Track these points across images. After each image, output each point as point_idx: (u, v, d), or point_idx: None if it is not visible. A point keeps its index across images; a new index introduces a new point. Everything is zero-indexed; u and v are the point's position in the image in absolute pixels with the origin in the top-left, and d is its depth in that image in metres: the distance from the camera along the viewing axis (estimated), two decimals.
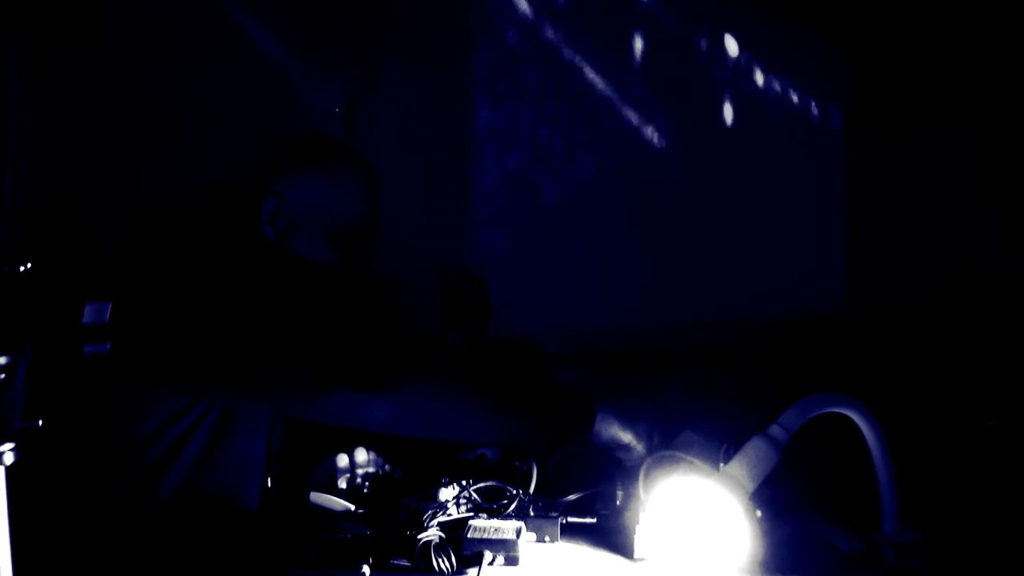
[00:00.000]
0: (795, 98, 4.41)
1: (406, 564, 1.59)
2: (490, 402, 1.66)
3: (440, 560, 1.56)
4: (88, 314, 1.21)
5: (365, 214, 1.97)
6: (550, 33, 3.97)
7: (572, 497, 1.84)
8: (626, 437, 1.74)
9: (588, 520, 1.78)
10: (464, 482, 1.79)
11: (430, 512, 1.68)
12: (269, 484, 1.86)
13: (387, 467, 2.01)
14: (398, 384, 1.60)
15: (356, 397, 1.59)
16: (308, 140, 2.01)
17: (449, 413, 1.65)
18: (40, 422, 1.09)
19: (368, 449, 2.01)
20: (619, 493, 1.82)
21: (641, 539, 1.63)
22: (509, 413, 1.68)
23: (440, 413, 1.64)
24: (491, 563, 1.58)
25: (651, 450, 1.72)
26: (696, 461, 1.65)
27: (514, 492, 1.78)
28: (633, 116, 4.15)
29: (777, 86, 4.39)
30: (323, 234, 1.91)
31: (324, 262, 1.92)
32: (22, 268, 1.04)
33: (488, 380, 1.70)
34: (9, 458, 1.06)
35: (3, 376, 1.04)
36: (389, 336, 1.66)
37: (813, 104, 4.46)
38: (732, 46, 4.28)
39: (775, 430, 1.60)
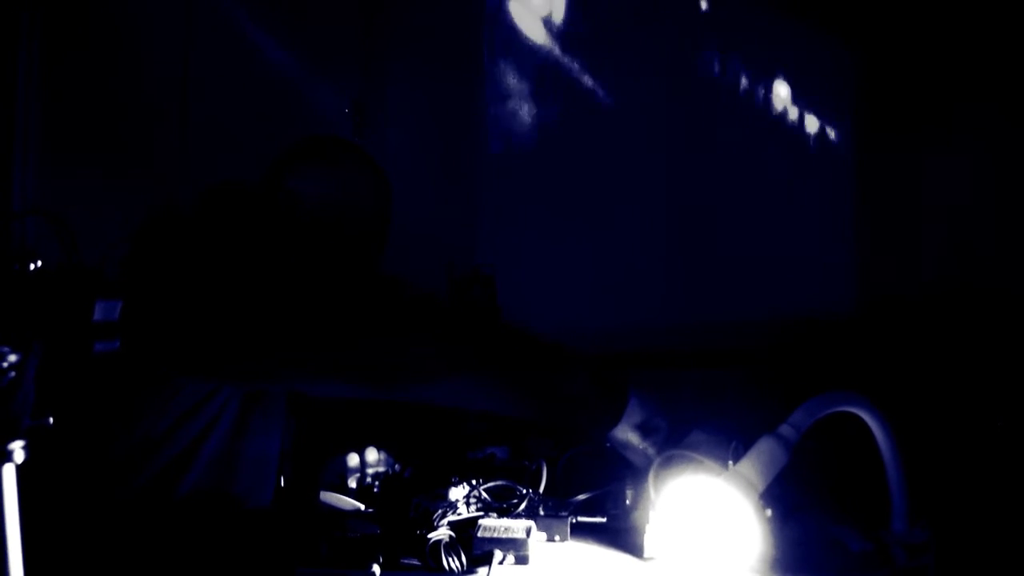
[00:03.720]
0: (804, 101, 4.41)
1: (416, 563, 1.59)
2: (489, 373, 1.61)
3: (450, 559, 1.56)
4: (98, 312, 1.21)
5: (375, 216, 2.00)
6: (561, 27, 3.96)
7: (582, 497, 1.84)
8: (640, 440, 1.69)
9: (598, 520, 1.78)
10: (474, 481, 1.79)
11: (440, 511, 1.69)
12: (282, 483, 1.86)
13: (397, 466, 2.01)
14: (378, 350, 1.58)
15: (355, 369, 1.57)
16: (320, 141, 2.03)
17: (438, 379, 1.59)
18: (50, 420, 1.09)
19: (378, 448, 2.01)
20: (629, 493, 1.82)
21: (651, 538, 1.63)
22: (506, 386, 1.63)
23: (416, 375, 1.59)
24: (501, 562, 1.58)
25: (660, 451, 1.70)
26: (706, 460, 1.65)
27: (524, 491, 1.78)
28: (644, 119, 4.15)
29: (785, 89, 4.38)
30: (332, 234, 1.92)
31: (334, 263, 1.93)
32: (32, 267, 1.04)
33: (493, 348, 1.63)
34: (19, 456, 1.06)
35: (13, 374, 1.04)
36: (386, 302, 1.63)
37: (822, 107, 4.45)
38: (741, 51, 4.28)
39: (785, 429, 1.59)
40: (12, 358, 1.04)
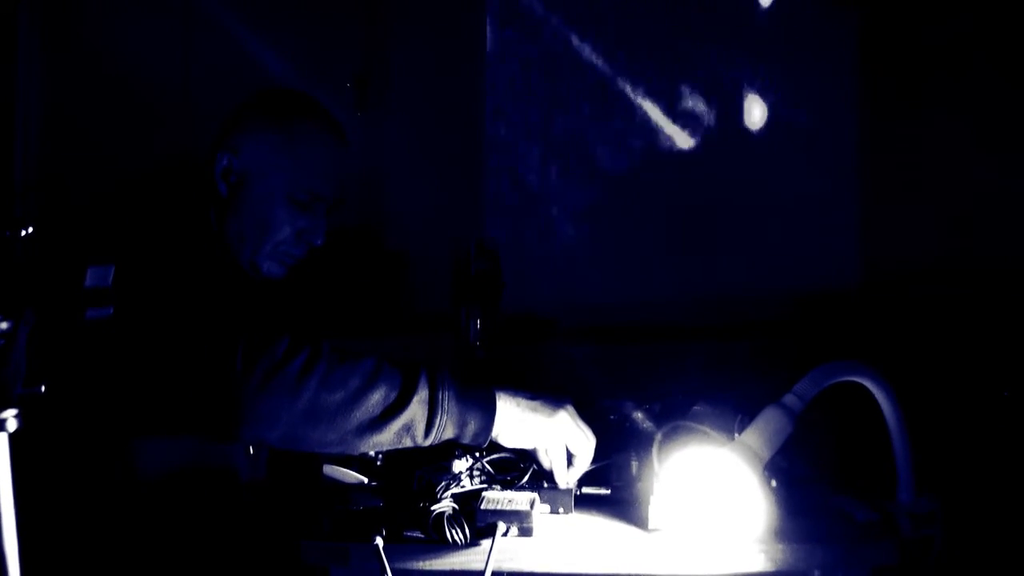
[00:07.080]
0: (806, 70, 4.38)
1: (419, 536, 1.58)
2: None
3: (454, 531, 1.55)
4: (90, 278, 1.20)
5: (324, 173, 1.90)
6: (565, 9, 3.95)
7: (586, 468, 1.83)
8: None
9: (602, 491, 1.77)
10: (478, 453, 1.78)
11: (443, 483, 1.67)
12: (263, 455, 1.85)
13: None
14: None
15: None
16: (268, 95, 1.95)
17: None
18: (43, 388, 1.09)
19: None
20: (633, 464, 1.81)
21: (656, 510, 1.62)
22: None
23: None
24: (505, 534, 1.57)
25: None
26: (711, 431, 1.64)
27: (528, 464, 1.77)
28: (644, 94, 4.13)
29: (786, 58, 4.35)
30: (277, 193, 1.85)
31: (282, 225, 1.87)
32: (23, 233, 1.03)
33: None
34: (12, 424, 1.05)
35: (4, 342, 1.03)
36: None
37: (825, 75, 4.42)
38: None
39: (790, 399, 1.59)
40: (3, 325, 1.03)
